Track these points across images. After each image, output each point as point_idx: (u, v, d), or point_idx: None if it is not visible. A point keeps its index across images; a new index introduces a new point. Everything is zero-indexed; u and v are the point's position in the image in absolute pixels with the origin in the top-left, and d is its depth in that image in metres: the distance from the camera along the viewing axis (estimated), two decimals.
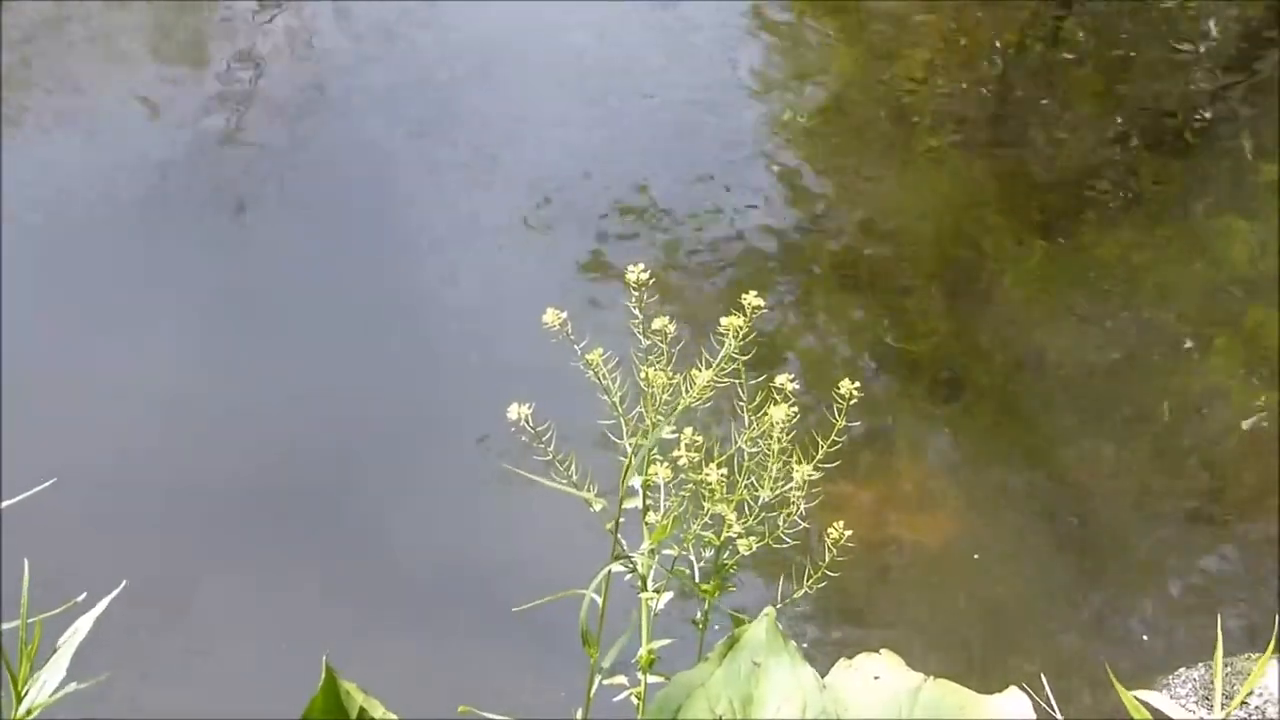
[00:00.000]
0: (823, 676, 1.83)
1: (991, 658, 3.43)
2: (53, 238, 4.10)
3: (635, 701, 1.86)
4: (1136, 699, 2.00)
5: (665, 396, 1.69)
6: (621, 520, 1.78)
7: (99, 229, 4.14)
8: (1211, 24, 5.13)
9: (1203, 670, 3.14)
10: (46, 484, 1.93)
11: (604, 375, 1.69)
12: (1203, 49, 5.05)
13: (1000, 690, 1.94)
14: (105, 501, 3.47)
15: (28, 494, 1.85)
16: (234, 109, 4.52)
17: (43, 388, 3.70)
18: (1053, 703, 2.82)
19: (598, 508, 1.76)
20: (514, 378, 3.67)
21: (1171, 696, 3.05)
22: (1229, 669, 3.08)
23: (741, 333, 1.65)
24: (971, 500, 3.73)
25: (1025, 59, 4.97)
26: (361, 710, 1.79)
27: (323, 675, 1.78)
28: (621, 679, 1.85)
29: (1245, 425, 3.83)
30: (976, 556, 3.61)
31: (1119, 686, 2.05)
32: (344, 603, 3.38)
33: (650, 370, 1.69)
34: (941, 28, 5.01)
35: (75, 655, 1.71)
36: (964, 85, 4.82)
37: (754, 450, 1.72)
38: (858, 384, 1.71)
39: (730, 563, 1.78)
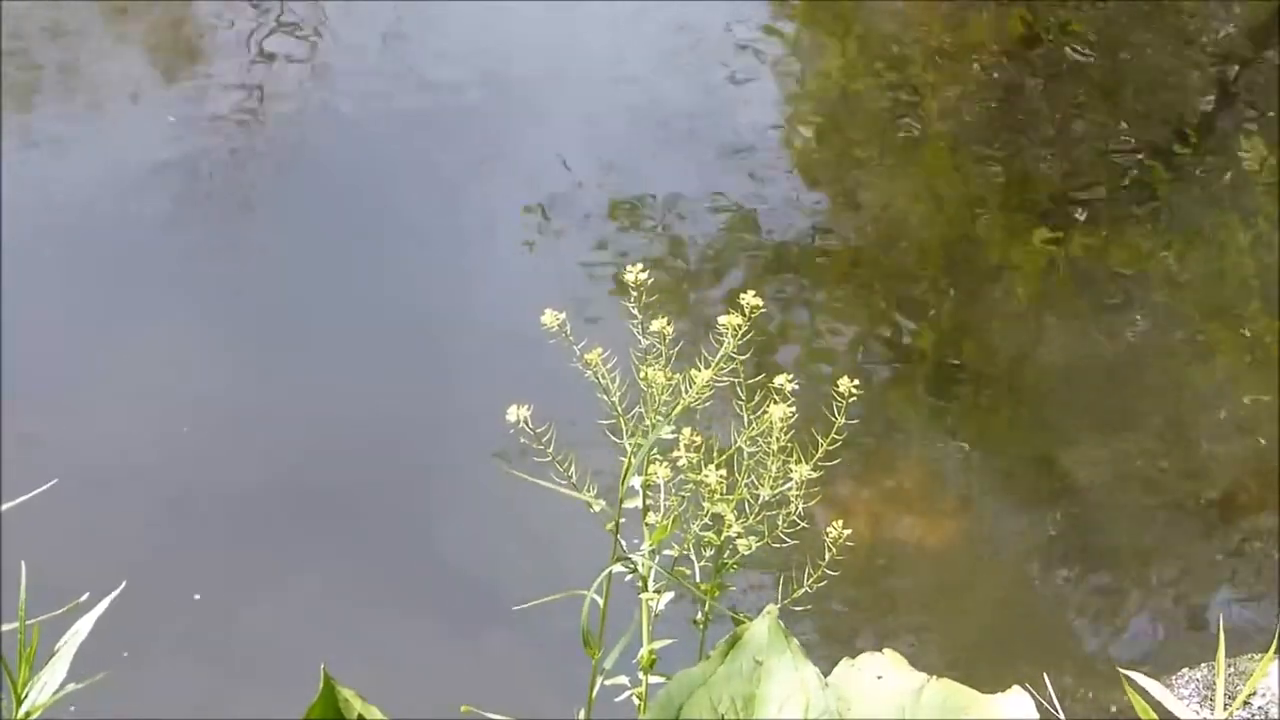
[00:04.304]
0: (825, 675, 1.82)
1: (994, 656, 3.43)
2: (54, 239, 4.10)
3: (637, 701, 1.86)
4: (1139, 686, 1.99)
5: (665, 396, 1.69)
6: (622, 521, 1.78)
7: (102, 230, 4.14)
8: (1214, 24, 5.13)
9: (1205, 670, 3.14)
10: (47, 485, 1.93)
11: (603, 375, 1.69)
12: (1205, 48, 5.05)
13: (1003, 689, 1.93)
14: (106, 504, 3.47)
15: (29, 495, 1.85)
16: (236, 110, 4.53)
17: (44, 389, 3.71)
18: (1055, 702, 2.82)
19: (597, 509, 1.76)
20: (516, 377, 3.68)
21: (1176, 697, 3.04)
22: (1231, 669, 3.08)
23: (740, 332, 1.65)
24: (973, 499, 3.73)
25: (1027, 58, 4.97)
26: (360, 718, 1.78)
27: (321, 683, 1.77)
28: (623, 679, 1.85)
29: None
30: (979, 556, 3.60)
31: (1125, 680, 2.05)
32: (345, 602, 3.38)
33: (650, 370, 1.69)
34: (943, 27, 5.01)
35: (77, 657, 1.71)
36: (966, 84, 4.82)
37: (753, 450, 1.72)
38: (857, 382, 1.71)
39: (731, 562, 1.78)
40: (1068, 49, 5.02)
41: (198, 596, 3.35)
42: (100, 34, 4.74)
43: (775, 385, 1.70)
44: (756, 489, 1.73)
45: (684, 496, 1.75)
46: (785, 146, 4.65)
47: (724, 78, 4.82)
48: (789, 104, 4.81)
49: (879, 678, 1.90)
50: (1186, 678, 3.13)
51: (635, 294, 1.70)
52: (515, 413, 1.70)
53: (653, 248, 4.26)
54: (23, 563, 1.73)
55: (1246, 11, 5.20)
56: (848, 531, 1.73)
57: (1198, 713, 2.95)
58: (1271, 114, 4.82)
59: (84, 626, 1.69)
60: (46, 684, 1.64)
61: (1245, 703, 2.83)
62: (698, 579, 1.81)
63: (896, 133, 4.68)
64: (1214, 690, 3.01)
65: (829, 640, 3.44)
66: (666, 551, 1.79)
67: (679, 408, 1.70)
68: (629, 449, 1.73)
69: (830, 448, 1.72)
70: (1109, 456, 3.85)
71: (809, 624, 3.44)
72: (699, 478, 1.72)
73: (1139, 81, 4.91)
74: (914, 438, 3.85)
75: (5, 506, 1.84)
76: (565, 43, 4.90)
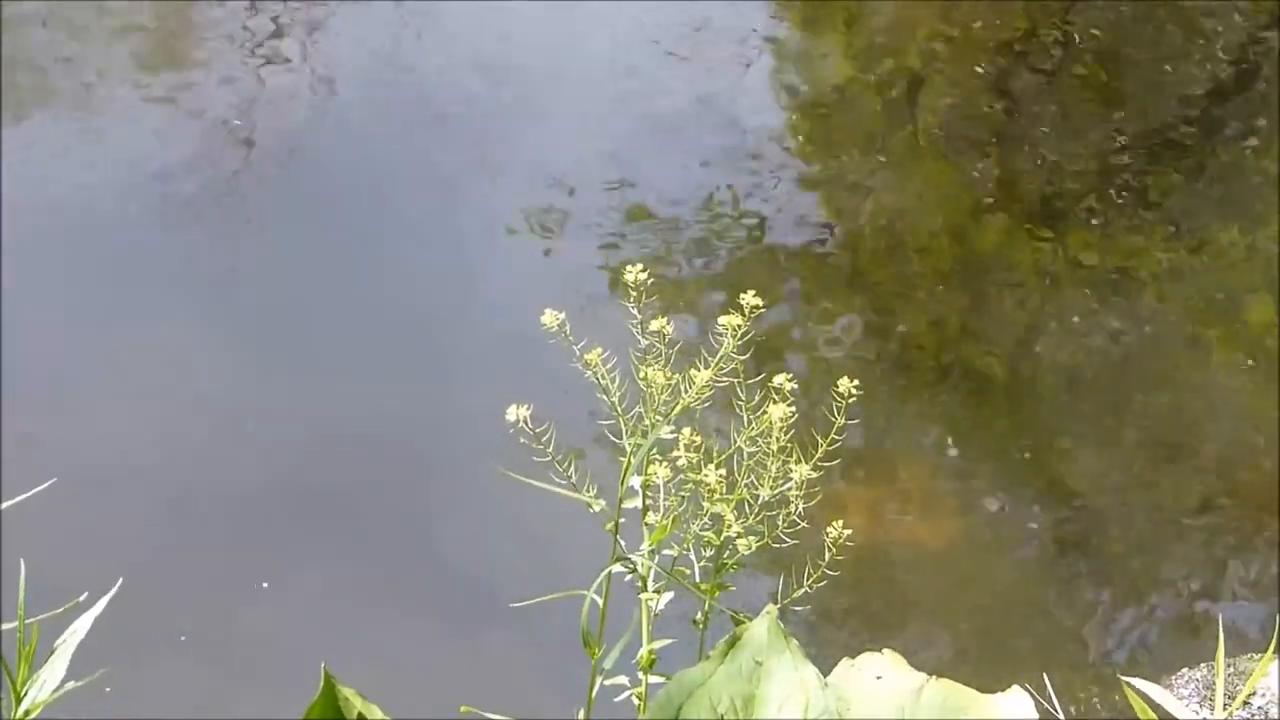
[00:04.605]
0: (825, 676, 1.82)
1: (993, 657, 3.43)
2: (54, 239, 4.10)
3: (636, 701, 1.87)
4: (1139, 690, 2.00)
5: (664, 396, 1.69)
6: (622, 521, 1.78)
7: (102, 230, 4.14)
8: (1214, 22, 5.13)
9: (1205, 670, 3.14)
10: (46, 484, 1.93)
11: (603, 375, 1.69)
12: (1206, 47, 5.05)
13: (1002, 689, 1.94)
14: (106, 504, 3.47)
15: (28, 495, 1.85)
16: (237, 110, 4.53)
17: (44, 389, 3.71)
18: (1055, 702, 2.82)
19: (596, 509, 1.76)
20: (516, 377, 3.68)
21: (1175, 697, 3.04)
22: (1231, 669, 3.08)
23: (740, 332, 1.66)
24: (973, 500, 3.73)
25: (1027, 57, 4.97)
26: (360, 716, 1.79)
27: (321, 682, 1.78)
28: (622, 679, 1.85)
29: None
30: (978, 556, 3.60)
31: (1125, 682, 2.05)
32: (345, 602, 3.38)
33: (649, 370, 1.69)
34: (943, 27, 5.01)
35: (76, 657, 1.71)
36: (966, 83, 4.82)
37: (753, 450, 1.73)
38: (857, 382, 1.71)
39: (730, 562, 1.78)
40: (1067, 47, 5.02)
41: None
42: (101, 34, 4.74)
43: (775, 385, 1.70)
44: (756, 489, 1.74)
45: (683, 496, 1.75)
46: (785, 146, 4.65)
47: (724, 77, 4.82)
48: (788, 104, 4.81)
49: (878, 678, 1.90)
50: (1186, 678, 3.13)
51: (635, 294, 1.70)
52: (515, 413, 1.70)
53: (652, 247, 4.26)
54: (22, 561, 1.74)
55: (1247, 10, 5.20)
56: (848, 531, 1.73)
57: (1197, 713, 2.95)
58: (1273, 112, 4.82)
59: (83, 625, 1.70)
60: (46, 682, 1.64)
61: (1245, 703, 2.83)
62: (697, 579, 1.81)
63: (896, 132, 4.68)
64: (1214, 690, 3.01)
65: (828, 640, 3.44)
66: (666, 551, 1.79)
67: (678, 408, 1.70)
68: (628, 449, 1.73)
69: (830, 448, 1.72)
70: (1109, 456, 3.85)
71: (809, 624, 3.44)
72: (698, 478, 1.72)
73: (1139, 80, 4.91)
74: (914, 438, 3.85)
75: (5, 505, 1.85)
76: (565, 43, 4.90)
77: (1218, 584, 3.64)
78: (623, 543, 1.79)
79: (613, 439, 1.74)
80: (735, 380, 1.70)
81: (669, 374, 1.70)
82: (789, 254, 4.30)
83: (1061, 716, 2.77)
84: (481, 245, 4.24)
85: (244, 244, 4.18)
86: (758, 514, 1.75)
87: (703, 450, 1.73)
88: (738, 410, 1.73)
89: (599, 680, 1.85)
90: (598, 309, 3.96)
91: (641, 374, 1.70)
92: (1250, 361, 4.09)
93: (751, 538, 1.74)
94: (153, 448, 3.63)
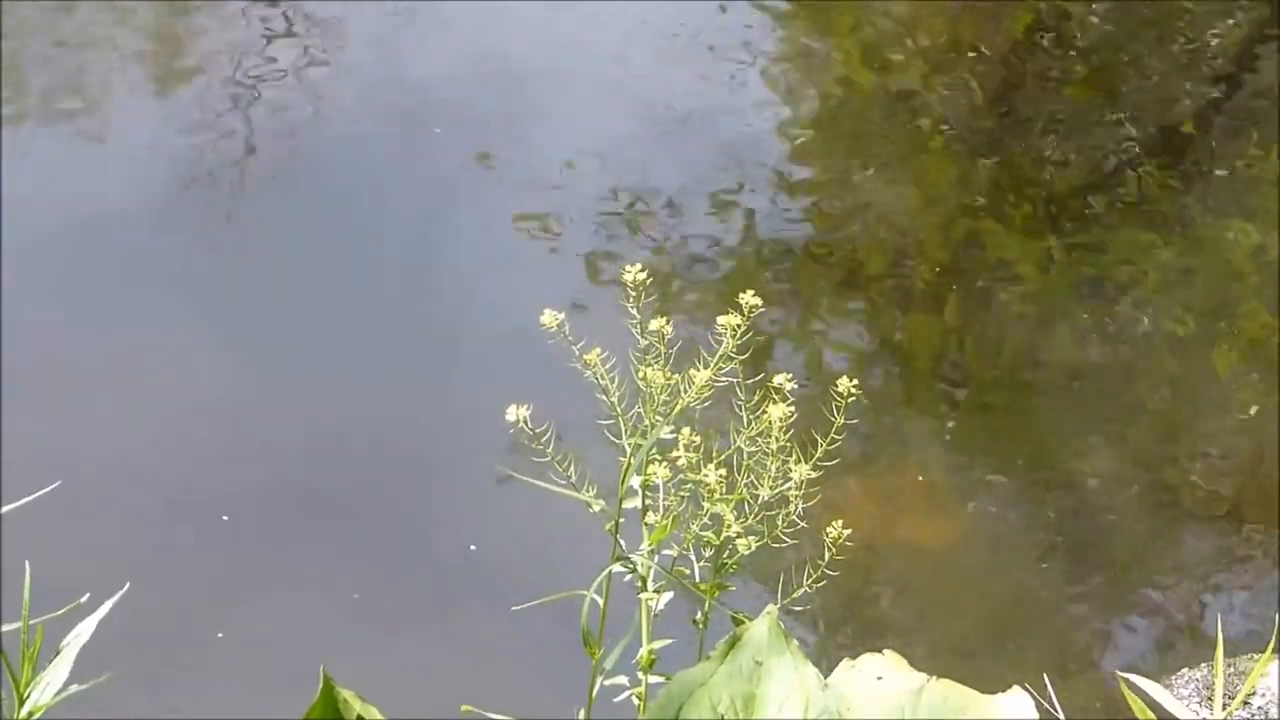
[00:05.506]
0: (825, 676, 1.83)
1: (994, 657, 3.43)
2: (54, 239, 4.10)
3: (636, 701, 1.87)
4: (1139, 690, 2.00)
5: (663, 396, 1.70)
6: (622, 520, 1.78)
7: (102, 230, 4.14)
8: (1214, 24, 5.13)
9: (1205, 670, 3.14)
10: (49, 488, 1.93)
11: (602, 375, 1.70)
12: (1205, 49, 5.05)
13: (1002, 689, 1.94)
14: (106, 504, 3.47)
15: (31, 498, 1.85)
16: (236, 111, 4.53)
17: (44, 389, 3.71)
18: (1055, 702, 2.82)
19: (596, 509, 1.77)
20: (516, 377, 3.68)
21: (1175, 697, 3.04)
22: (1231, 669, 3.08)
23: (739, 331, 1.66)
24: (973, 500, 3.73)
25: (1026, 58, 4.97)
26: (359, 718, 1.79)
27: (320, 683, 1.78)
28: (622, 679, 1.85)
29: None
30: (978, 556, 3.61)
31: (1124, 681, 2.05)
32: (345, 602, 3.38)
33: (648, 370, 1.70)
34: (942, 27, 5.01)
35: (78, 657, 1.71)
36: (965, 84, 4.82)
37: (753, 450, 1.73)
38: (856, 382, 1.71)
39: (730, 562, 1.79)
40: (1067, 47, 5.02)
41: (197, 598, 3.36)
42: (100, 35, 4.74)
43: (774, 385, 1.71)
44: (756, 489, 1.74)
45: (683, 496, 1.75)
46: (785, 146, 4.65)
47: (724, 78, 4.82)
48: (789, 104, 4.81)
49: (879, 678, 1.91)
50: (1186, 678, 3.13)
51: (634, 294, 1.70)
52: (515, 413, 1.70)
53: (652, 248, 4.26)
54: (26, 562, 1.74)
55: (1247, 11, 5.20)
56: (847, 531, 1.74)
57: (1197, 713, 2.95)
58: (1273, 112, 4.82)
59: (87, 628, 1.70)
60: (49, 684, 1.64)
61: (1245, 702, 2.83)
62: (697, 579, 1.82)
63: (895, 132, 4.68)
64: (1214, 690, 3.01)
65: (828, 640, 3.45)
66: (666, 551, 1.79)
67: (678, 408, 1.70)
68: (628, 449, 1.73)
69: (830, 448, 1.72)
70: (1109, 456, 3.85)
71: (810, 625, 3.44)
72: (698, 478, 1.73)
73: (1139, 81, 4.92)
74: (914, 438, 3.85)
75: (6, 509, 1.85)
76: (566, 43, 4.90)
77: (1218, 584, 3.64)
78: (623, 543, 1.79)
79: (612, 439, 1.75)
80: (735, 380, 1.70)
81: (668, 374, 1.70)
82: (789, 253, 4.30)
83: (1061, 716, 2.77)
84: (481, 245, 4.24)
85: (244, 244, 4.18)
86: (757, 514, 1.75)
87: (702, 450, 1.74)
88: (737, 410, 1.74)
89: (599, 680, 1.86)
90: (597, 309, 3.96)
91: (641, 374, 1.71)
92: (1250, 361, 4.09)
93: (751, 538, 1.75)
94: (153, 448, 3.63)
